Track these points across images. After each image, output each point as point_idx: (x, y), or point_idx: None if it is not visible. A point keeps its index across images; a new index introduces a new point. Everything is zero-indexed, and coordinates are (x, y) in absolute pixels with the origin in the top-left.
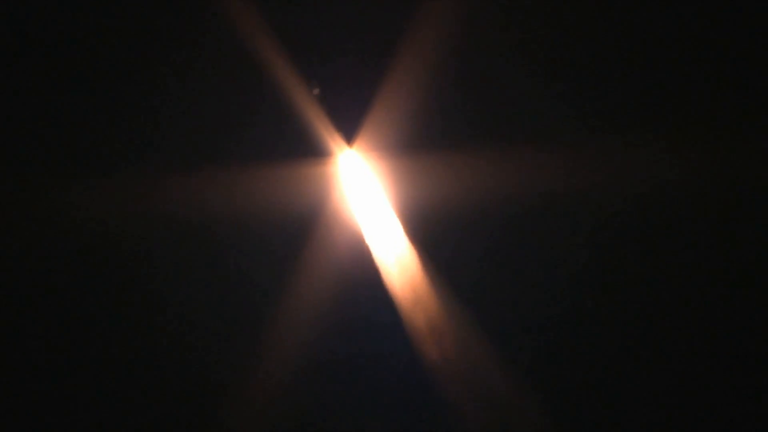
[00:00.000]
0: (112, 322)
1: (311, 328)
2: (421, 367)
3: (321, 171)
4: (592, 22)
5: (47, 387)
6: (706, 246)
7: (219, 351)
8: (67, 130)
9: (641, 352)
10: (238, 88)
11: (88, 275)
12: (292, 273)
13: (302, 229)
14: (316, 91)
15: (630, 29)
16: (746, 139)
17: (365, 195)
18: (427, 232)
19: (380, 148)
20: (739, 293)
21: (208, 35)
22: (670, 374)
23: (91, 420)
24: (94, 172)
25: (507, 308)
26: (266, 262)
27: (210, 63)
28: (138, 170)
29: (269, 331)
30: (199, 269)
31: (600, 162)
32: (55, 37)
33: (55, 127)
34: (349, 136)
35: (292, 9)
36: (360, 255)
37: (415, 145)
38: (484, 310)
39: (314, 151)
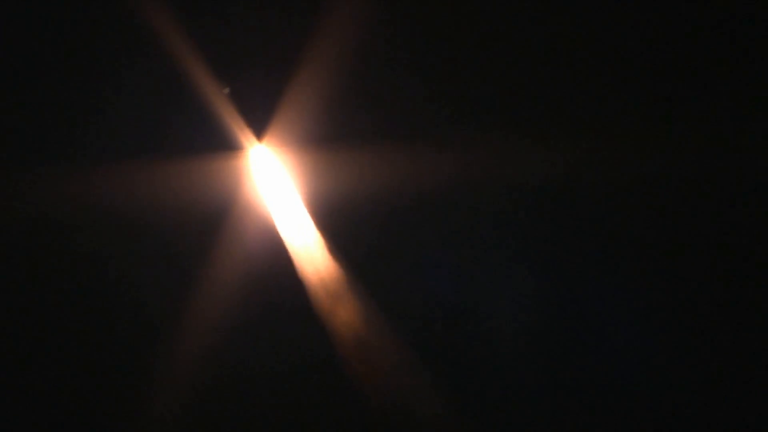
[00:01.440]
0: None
1: (223, 320)
2: (333, 353)
3: (232, 165)
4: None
5: None
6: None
7: (133, 343)
8: None
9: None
10: (151, 86)
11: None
12: (204, 264)
13: (214, 221)
14: (226, 90)
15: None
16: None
17: (275, 187)
18: (334, 222)
19: (289, 142)
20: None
21: (127, 36)
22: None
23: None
24: (17, 166)
25: (407, 292)
26: (178, 254)
27: (126, 62)
28: (55, 165)
29: (180, 325)
30: (110, 261)
31: (492, 155)
32: None
33: None
34: (259, 132)
35: (204, 11)
36: (270, 245)
37: (322, 140)
38: (387, 294)
39: (225, 146)
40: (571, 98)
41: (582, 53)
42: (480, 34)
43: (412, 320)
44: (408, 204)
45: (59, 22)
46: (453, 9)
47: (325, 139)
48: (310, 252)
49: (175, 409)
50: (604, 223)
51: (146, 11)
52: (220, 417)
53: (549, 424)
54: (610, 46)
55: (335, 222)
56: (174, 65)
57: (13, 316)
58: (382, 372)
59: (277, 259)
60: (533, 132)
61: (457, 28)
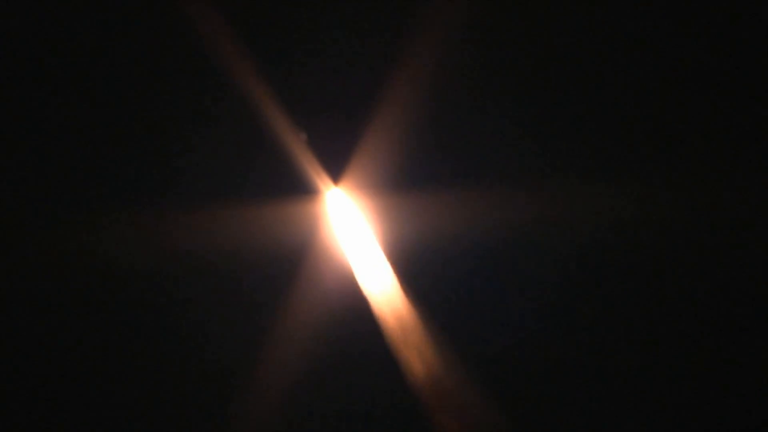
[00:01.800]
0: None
1: (299, 366)
2: (410, 396)
3: (309, 208)
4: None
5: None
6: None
7: (209, 388)
8: (82, 169)
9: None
10: (230, 131)
11: (101, 304)
12: (281, 308)
13: (291, 264)
14: (303, 136)
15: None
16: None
17: (351, 231)
18: (411, 267)
19: (366, 186)
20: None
21: (208, 84)
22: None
23: None
24: (106, 209)
25: (487, 336)
26: (255, 297)
27: (205, 108)
28: (140, 208)
29: (256, 370)
30: (188, 305)
31: (570, 198)
32: (79, 81)
33: (72, 166)
34: (336, 175)
35: (283, 56)
36: (347, 289)
37: (399, 184)
38: (466, 338)
39: (302, 190)
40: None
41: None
42: (561, 87)
43: (492, 365)
44: (486, 247)
45: (145, 70)
46: (534, 55)
47: (402, 183)
48: (387, 296)
49: None
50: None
51: (227, 57)
52: None
53: None
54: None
55: (413, 266)
56: (253, 110)
57: (89, 362)
58: (463, 420)
59: (353, 303)
60: (618, 177)
61: (538, 75)
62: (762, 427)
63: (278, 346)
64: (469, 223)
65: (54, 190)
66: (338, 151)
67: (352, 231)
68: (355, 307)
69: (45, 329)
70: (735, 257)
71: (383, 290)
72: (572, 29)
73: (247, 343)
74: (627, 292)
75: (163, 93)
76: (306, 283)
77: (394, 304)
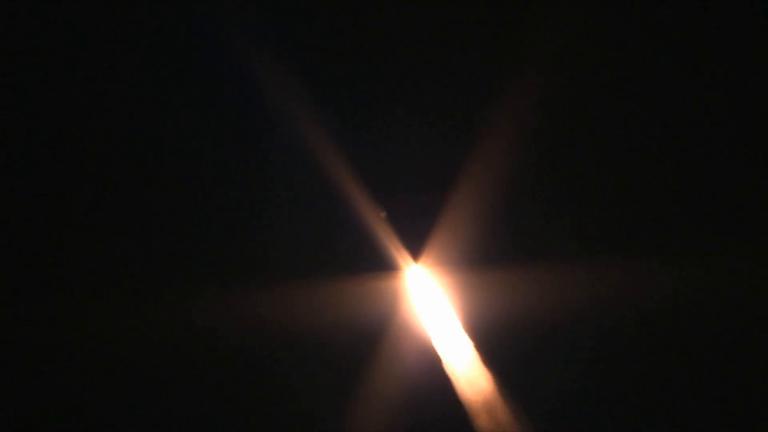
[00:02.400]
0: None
1: None
2: None
3: (390, 285)
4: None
5: None
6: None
7: None
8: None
9: None
10: (313, 209)
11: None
12: (364, 382)
13: (373, 339)
14: (383, 214)
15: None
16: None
17: (431, 307)
18: (491, 341)
19: (444, 263)
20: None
21: (294, 162)
22: None
23: None
24: (202, 284)
25: (573, 416)
26: (341, 369)
27: (289, 188)
28: (232, 284)
29: None
30: (278, 377)
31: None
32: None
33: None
34: (415, 253)
35: (362, 135)
36: (428, 363)
37: (477, 261)
38: (552, 420)
39: (384, 266)
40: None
41: None
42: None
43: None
44: (560, 322)
45: (237, 148)
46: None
47: (480, 260)
48: (467, 371)
49: None
50: None
51: (308, 136)
52: None
53: None
54: None
55: (492, 341)
56: (335, 188)
57: None
58: None
59: (435, 378)
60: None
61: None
62: None
63: (362, 419)
64: (542, 298)
65: (154, 263)
66: (418, 229)
67: (431, 306)
68: (436, 383)
69: (141, 400)
70: None
71: (464, 367)
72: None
73: (332, 415)
74: (686, 367)
75: (254, 173)
76: (388, 356)
77: (474, 380)
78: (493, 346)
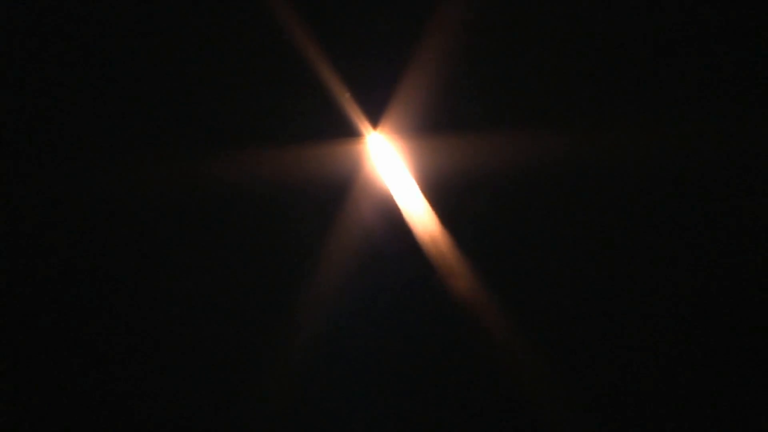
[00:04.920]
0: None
1: (343, 291)
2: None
3: (349, 150)
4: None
5: None
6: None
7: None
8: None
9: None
10: (272, 76)
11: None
12: (324, 239)
13: (333, 201)
14: (347, 95)
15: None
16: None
17: (390, 172)
18: (446, 199)
19: (404, 130)
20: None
21: (248, 29)
22: None
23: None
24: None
25: (513, 263)
26: (301, 227)
27: (244, 50)
28: (187, 148)
29: (302, 292)
30: (232, 243)
31: (606, 141)
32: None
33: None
34: (375, 120)
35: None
36: (387, 219)
37: (436, 127)
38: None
39: (344, 133)
40: None
41: None
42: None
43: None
44: (512, 183)
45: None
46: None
47: (439, 126)
48: (423, 223)
49: (284, 397)
50: None
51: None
52: (334, 400)
53: None
54: None
55: (447, 199)
56: (296, 57)
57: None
58: (492, 336)
59: (393, 230)
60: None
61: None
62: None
63: (324, 281)
64: (497, 162)
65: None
66: (378, 96)
67: (390, 170)
68: (394, 233)
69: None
70: None
71: (420, 219)
72: None
73: (292, 270)
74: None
75: (211, 37)
76: (348, 217)
77: (429, 230)
78: (449, 205)
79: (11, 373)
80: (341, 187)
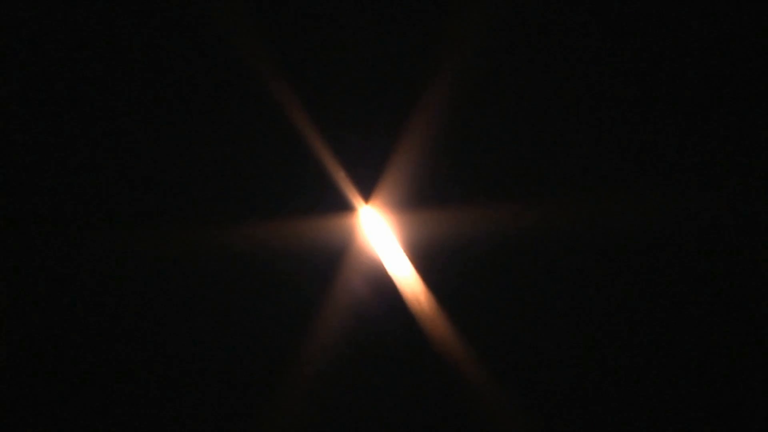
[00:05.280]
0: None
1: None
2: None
3: (343, 224)
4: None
5: None
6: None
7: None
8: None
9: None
10: (264, 149)
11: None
12: (318, 305)
13: (328, 267)
14: (341, 173)
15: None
16: None
17: (381, 241)
18: (433, 265)
19: (394, 204)
20: None
21: (233, 95)
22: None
23: None
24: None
25: (492, 321)
26: (299, 294)
27: (235, 126)
28: (167, 221)
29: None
30: (229, 312)
31: (579, 213)
32: None
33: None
34: (367, 194)
35: (312, 71)
36: (378, 288)
37: (426, 201)
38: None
39: (338, 207)
40: None
41: None
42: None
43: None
44: (500, 253)
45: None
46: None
47: (429, 200)
48: (410, 287)
49: None
50: None
51: (258, 71)
52: None
53: None
54: None
55: (433, 265)
56: (284, 126)
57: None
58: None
59: (382, 295)
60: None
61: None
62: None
63: (315, 342)
64: (477, 231)
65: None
66: (369, 172)
67: (380, 240)
68: (383, 296)
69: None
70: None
71: (407, 282)
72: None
73: (285, 343)
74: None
75: (209, 112)
76: (342, 290)
77: (416, 292)
78: (436, 273)
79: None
80: (336, 256)
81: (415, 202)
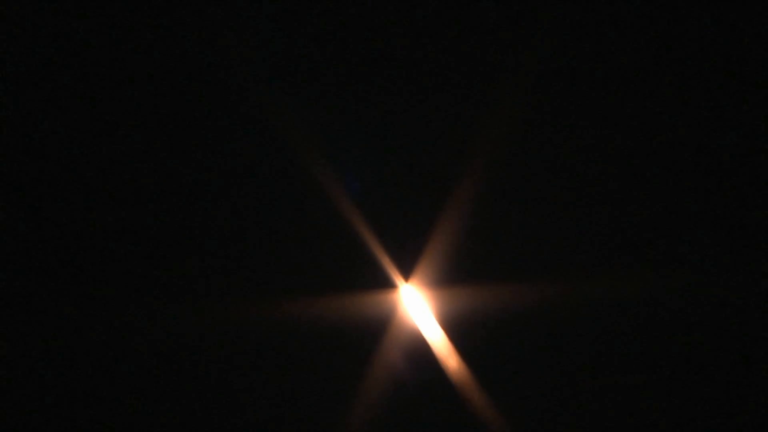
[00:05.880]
0: None
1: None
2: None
3: (383, 302)
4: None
5: None
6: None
7: None
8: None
9: None
10: (312, 231)
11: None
12: (359, 382)
13: (370, 342)
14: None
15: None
16: None
17: (419, 318)
18: (473, 348)
19: (436, 281)
20: None
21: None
22: None
23: None
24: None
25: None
26: (343, 368)
27: (283, 206)
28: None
29: None
30: (273, 383)
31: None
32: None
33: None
34: (407, 271)
35: (354, 154)
36: (416, 358)
37: (465, 279)
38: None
39: (376, 285)
40: None
41: None
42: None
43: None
44: (530, 325)
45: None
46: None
47: (462, 277)
48: (448, 362)
49: None
50: None
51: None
52: None
53: None
54: None
55: (469, 340)
56: (328, 206)
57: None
58: None
59: (421, 368)
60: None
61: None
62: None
63: (357, 415)
64: (521, 311)
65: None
66: (410, 247)
67: (419, 316)
68: (422, 370)
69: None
70: None
71: (444, 357)
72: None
73: (329, 416)
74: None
75: (244, 184)
76: (383, 353)
77: (453, 367)
78: (472, 348)
79: None
80: (377, 331)
81: (452, 279)
